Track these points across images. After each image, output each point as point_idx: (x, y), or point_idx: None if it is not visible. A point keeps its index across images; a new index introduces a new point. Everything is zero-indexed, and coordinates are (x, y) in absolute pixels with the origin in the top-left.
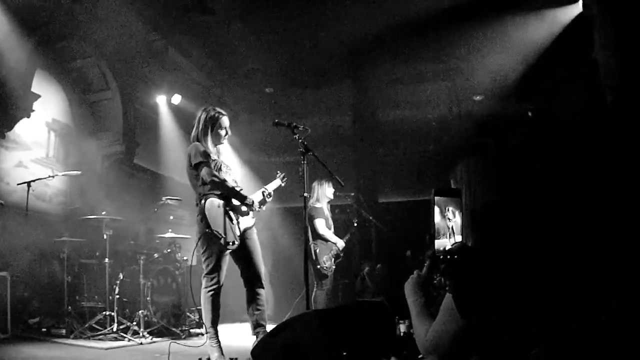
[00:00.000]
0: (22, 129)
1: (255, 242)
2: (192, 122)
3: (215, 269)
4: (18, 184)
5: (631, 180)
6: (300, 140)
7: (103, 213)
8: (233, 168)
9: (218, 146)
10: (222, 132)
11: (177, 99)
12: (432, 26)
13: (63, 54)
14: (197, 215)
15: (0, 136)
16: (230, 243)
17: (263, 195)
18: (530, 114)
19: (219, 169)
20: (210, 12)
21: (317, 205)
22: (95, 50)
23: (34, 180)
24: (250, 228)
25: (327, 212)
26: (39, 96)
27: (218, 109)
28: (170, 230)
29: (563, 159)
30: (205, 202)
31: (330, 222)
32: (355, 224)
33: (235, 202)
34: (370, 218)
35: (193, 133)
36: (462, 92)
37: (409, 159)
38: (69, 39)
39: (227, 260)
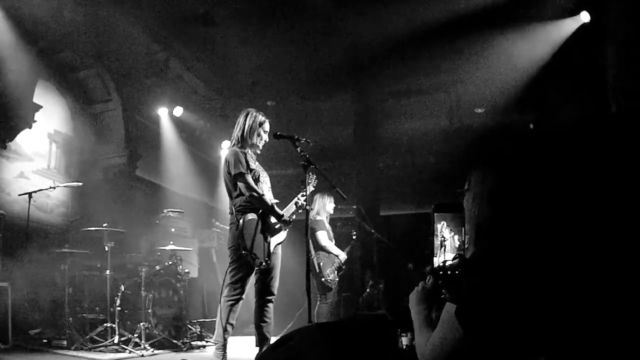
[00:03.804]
0: (23, 139)
1: (279, 257)
2: (194, 134)
3: (240, 281)
4: (19, 195)
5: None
6: (302, 153)
7: (104, 225)
8: (267, 175)
9: (253, 150)
10: (265, 137)
11: (178, 111)
12: (434, 39)
13: (65, 65)
14: (231, 224)
15: (2, 147)
16: (263, 263)
17: (296, 205)
18: (531, 126)
19: (257, 179)
20: (212, 24)
21: (318, 217)
22: (97, 62)
23: (35, 191)
24: (280, 243)
25: (327, 225)
26: (40, 107)
27: (262, 113)
28: (171, 242)
29: (566, 170)
30: (243, 220)
31: (331, 234)
32: (354, 237)
33: (271, 219)
34: (372, 231)
35: (236, 135)
36: (463, 104)
37: (410, 171)
38: (71, 50)
39: (253, 275)
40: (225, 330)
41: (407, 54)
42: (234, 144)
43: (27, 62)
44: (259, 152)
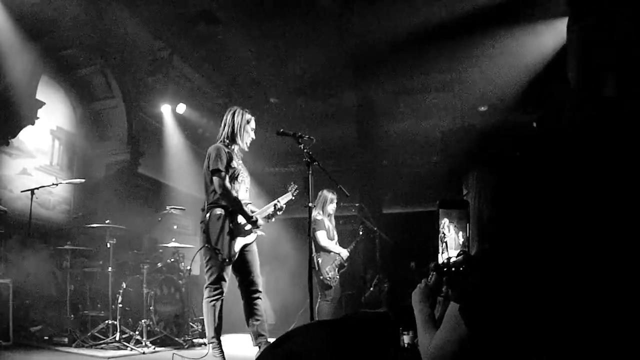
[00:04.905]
0: (26, 136)
1: (254, 254)
2: (196, 131)
3: (217, 281)
4: (22, 192)
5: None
6: (305, 150)
7: (106, 222)
8: (247, 176)
9: (239, 147)
10: (252, 134)
11: (181, 108)
12: (437, 37)
13: (68, 62)
14: (201, 223)
15: (5, 143)
16: (227, 260)
17: (275, 208)
18: (535, 124)
19: (235, 178)
20: (215, 22)
21: (318, 217)
22: (100, 59)
23: (37, 188)
24: (250, 244)
25: (328, 224)
26: (43, 103)
27: (247, 110)
28: (173, 239)
29: (568, 169)
30: (210, 214)
31: (333, 233)
32: (361, 233)
33: (240, 219)
34: (375, 229)
35: (225, 132)
36: (466, 103)
37: (412, 170)
38: (74, 47)
39: (230, 272)
40: (215, 329)
41: (411, 53)
42: (221, 141)
43: (30, 59)
44: (246, 149)
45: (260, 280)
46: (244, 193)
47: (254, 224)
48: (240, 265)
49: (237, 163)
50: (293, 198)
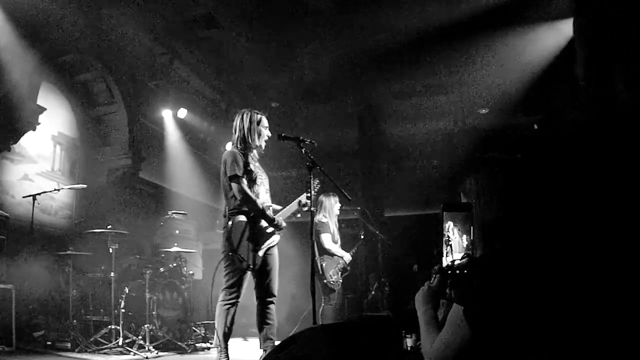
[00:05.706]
0: (27, 142)
1: (275, 258)
2: (198, 136)
3: (235, 285)
4: (23, 197)
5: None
6: (307, 154)
7: (108, 227)
8: (266, 177)
9: (255, 151)
10: (266, 132)
11: (182, 112)
12: (438, 40)
13: (69, 68)
14: (224, 228)
15: (6, 149)
16: (251, 266)
17: (299, 205)
18: (536, 127)
19: (254, 181)
20: (216, 27)
21: (323, 220)
22: (100, 64)
23: (39, 194)
24: (273, 246)
25: (332, 227)
26: (44, 109)
27: (256, 111)
28: (175, 244)
29: (570, 171)
30: (232, 222)
31: (337, 236)
32: (362, 237)
33: (263, 222)
34: (377, 232)
35: (237, 138)
36: (467, 105)
37: (414, 172)
38: (75, 52)
39: (248, 278)
40: (224, 333)
41: (411, 56)
42: (235, 146)
43: (31, 65)
44: (262, 150)
45: (276, 285)
46: (264, 194)
47: (277, 226)
48: (260, 268)
49: (254, 165)
50: (315, 193)
